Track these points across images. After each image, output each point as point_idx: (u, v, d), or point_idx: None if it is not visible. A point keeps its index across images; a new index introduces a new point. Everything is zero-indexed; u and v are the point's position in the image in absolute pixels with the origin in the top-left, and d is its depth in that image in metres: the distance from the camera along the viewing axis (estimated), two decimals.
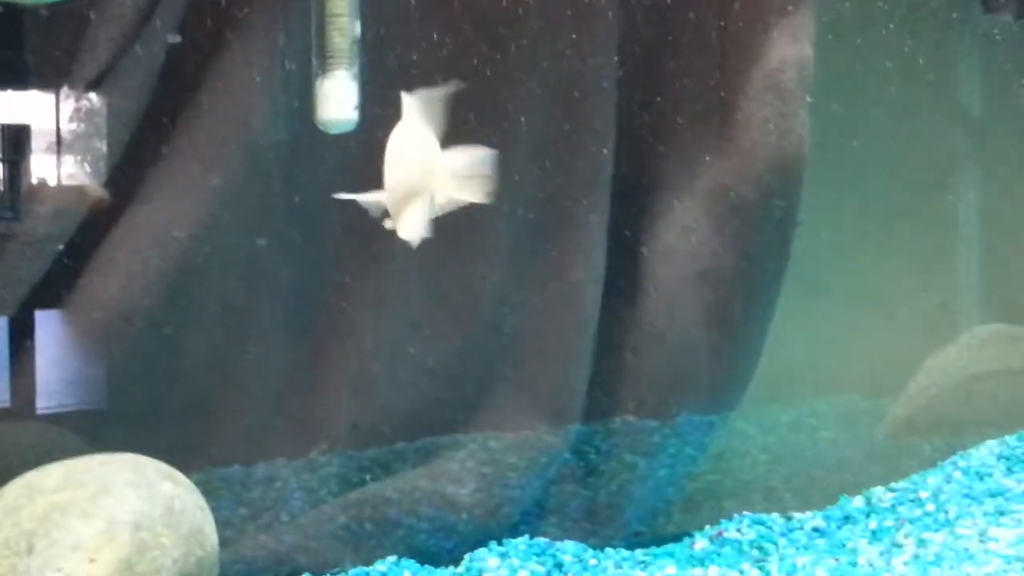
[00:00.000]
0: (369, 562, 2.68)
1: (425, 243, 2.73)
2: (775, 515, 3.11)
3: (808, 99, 3.06)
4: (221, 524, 2.33)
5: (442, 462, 2.81)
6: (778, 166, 3.03)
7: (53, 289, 2.44)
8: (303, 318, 2.71)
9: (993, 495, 3.18)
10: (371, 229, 2.70)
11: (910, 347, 3.72)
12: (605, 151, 2.91)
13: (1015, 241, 3.88)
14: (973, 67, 3.88)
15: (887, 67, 3.55)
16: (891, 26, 3.49)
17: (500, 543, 2.81)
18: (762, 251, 3.09)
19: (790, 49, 3.02)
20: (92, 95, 2.39)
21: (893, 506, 3.16)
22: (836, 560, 2.77)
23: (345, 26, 2.27)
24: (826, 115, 3.14)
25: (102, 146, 2.42)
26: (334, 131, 2.29)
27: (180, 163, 2.48)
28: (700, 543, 2.94)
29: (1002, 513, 3.02)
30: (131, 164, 2.45)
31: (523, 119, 2.81)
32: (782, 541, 2.96)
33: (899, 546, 2.85)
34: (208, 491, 2.35)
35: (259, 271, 2.65)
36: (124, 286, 2.46)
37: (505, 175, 2.78)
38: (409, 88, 1.96)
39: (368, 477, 2.78)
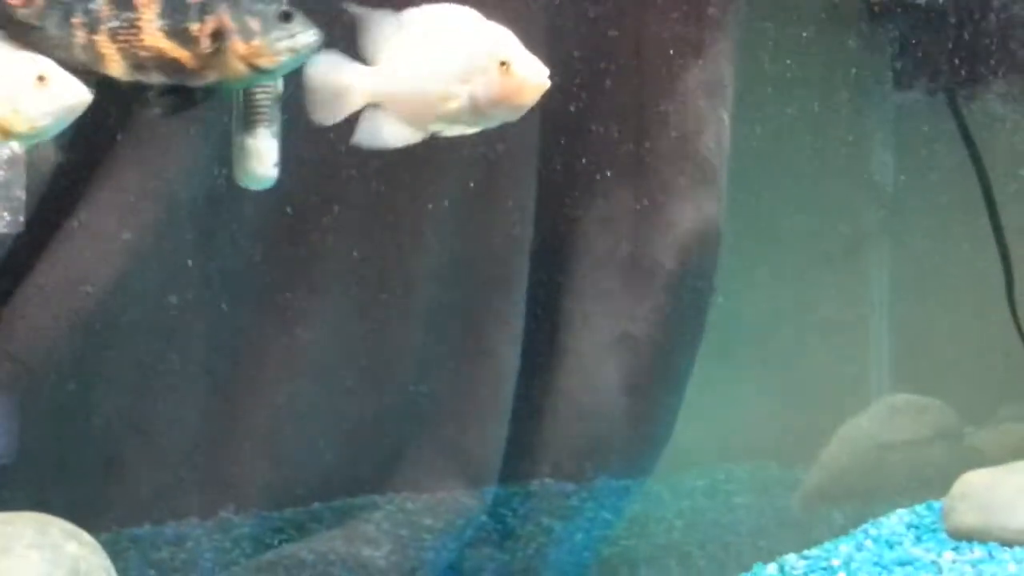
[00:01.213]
0: None
1: (342, 302, 2.74)
2: None
3: (725, 167, 3.12)
4: None
5: (358, 523, 2.79)
6: (695, 233, 3.08)
7: None
8: (217, 375, 2.68)
9: (902, 564, 3.22)
10: (288, 286, 2.72)
11: (823, 416, 3.77)
12: (524, 215, 2.93)
13: (925, 312, 3.97)
14: (886, 141, 3.98)
15: (802, 139, 3.64)
16: (806, 100, 3.58)
17: None
18: (679, 318, 3.13)
19: (708, 118, 3.09)
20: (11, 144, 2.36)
21: (806, 573, 3.18)
22: None
23: (268, 83, 2.27)
24: (742, 185, 3.20)
25: (20, 195, 2.39)
26: (253, 188, 2.27)
27: (95, 216, 2.45)
28: None
29: None
30: (45, 215, 2.42)
31: (443, 181, 2.83)
32: None
33: None
34: (115, 552, 2.30)
35: (173, 327, 2.62)
36: (33, 339, 2.42)
37: (424, 236, 2.81)
38: None
39: (282, 538, 2.74)
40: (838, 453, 3.77)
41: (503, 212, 2.91)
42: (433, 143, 2.66)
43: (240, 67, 1.96)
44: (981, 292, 3.80)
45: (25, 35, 1.90)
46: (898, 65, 3.85)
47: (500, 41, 1.72)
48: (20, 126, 1.78)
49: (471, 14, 1.77)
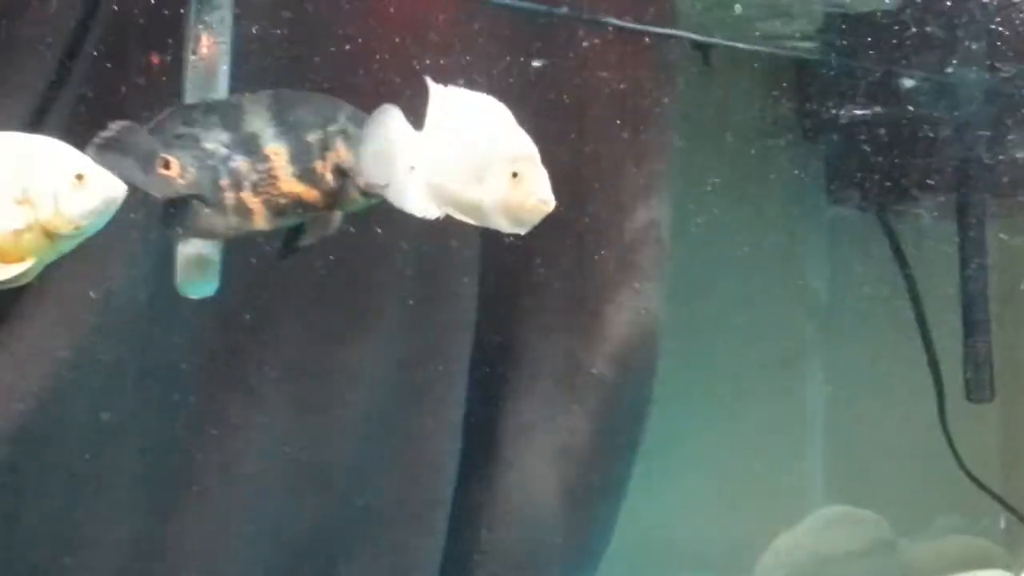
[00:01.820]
0: None
1: (279, 411, 2.70)
2: None
3: (664, 279, 3.15)
4: None
5: None
6: (634, 344, 3.10)
7: None
8: (152, 488, 2.63)
9: None
10: (225, 396, 2.68)
11: (758, 527, 3.77)
12: (464, 324, 2.93)
13: (859, 424, 4.00)
14: (820, 255, 4.05)
15: (737, 253, 3.69)
16: (741, 214, 3.64)
17: None
18: (618, 428, 3.13)
19: (647, 229, 3.12)
20: None
21: None
22: None
23: None
24: (680, 295, 3.23)
25: None
26: (194, 296, 2.26)
27: (28, 326, 2.41)
28: None
29: None
30: None
31: (382, 290, 2.82)
32: None
33: None
34: None
35: (107, 440, 2.56)
36: None
37: (363, 345, 2.80)
38: None
39: None
40: (773, 565, 3.76)
41: (443, 322, 2.91)
42: (369, 250, 2.69)
43: (357, 196, 1.99)
44: (914, 405, 3.85)
45: (187, 211, 1.94)
46: (831, 182, 3.94)
47: (521, 151, 1.71)
48: (64, 227, 1.72)
49: (506, 114, 1.76)
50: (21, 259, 1.74)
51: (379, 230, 2.67)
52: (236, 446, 2.68)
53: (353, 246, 2.60)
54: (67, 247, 1.77)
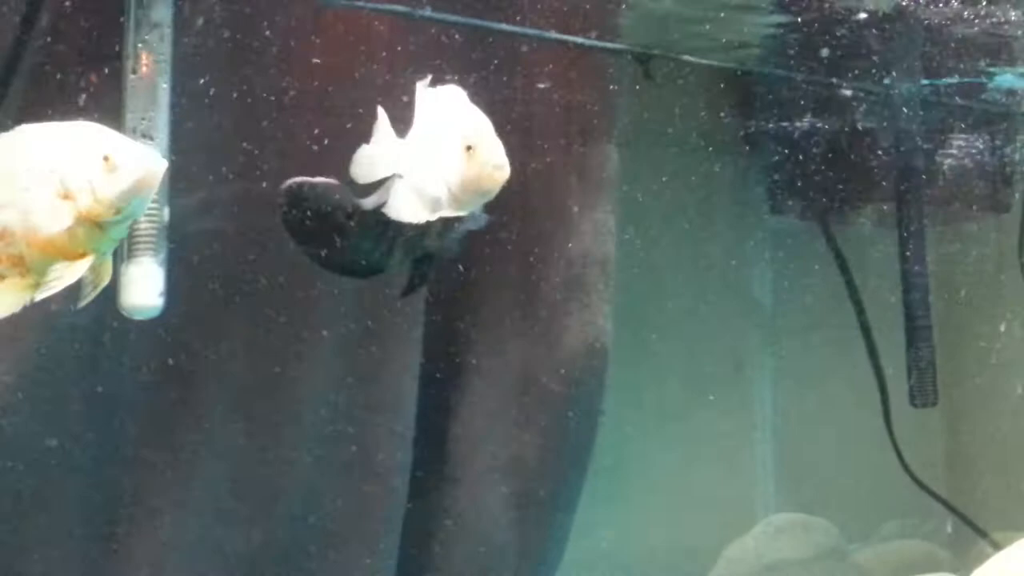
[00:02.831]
0: None
1: (228, 431, 2.68)
2: None
3: (612, 290, 3.17)
4: None
5: None
6: (582, 357, 3.11)
7: None
8: (100, 509, 2.60)
9: None
10: (174, 417, 2.66)
11: (709, 535, 3.79)
12: (413, 340, 2.93)
13: (807, 431, 4.04)
14: (763, 264, 4.09)
15: (683, 264, 3.72)
16: (685, 225, 3.67)
17: None
18: (568, 440, 3.14)
19: (593, 245, 3.14)
20: None
21: None
22: None
23: (154, 211, 2.25)
24: (628, 306, 3.25)
25: None
26: (138, 317, 2.24)
27: None
28: None
29: None
30: None
31: (332, 308, 2.81)
32: None
33: None
34: None
35: (54, 459, 2.53)
36: None
37: (313, 362, 2.78)
38: None
39: None
40: (725, 574, 3.78)
41: (393, 336, 2.90)
42: (314, 268, 2.68)
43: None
44: (860, 411, 3.88)
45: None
46: (773, 192, 3.98)
47: (469, 126, 1.72)
48: (107, 213, 1.61)
49: (458, 96, 1.76)
50: (82, 255, 1.65)
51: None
52: (183, 468, 2.66)
53: (298, 264, 2.59)
54: (121, 232, 1.68)
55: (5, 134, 1.65)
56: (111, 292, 2.25)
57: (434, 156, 1.75)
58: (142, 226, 2.23)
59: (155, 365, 2.61)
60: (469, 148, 1.70)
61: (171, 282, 2.25)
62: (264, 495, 2.76)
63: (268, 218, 2.58)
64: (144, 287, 2.22)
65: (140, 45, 2.23)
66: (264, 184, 2.55)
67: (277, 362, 2.75)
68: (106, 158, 1.61)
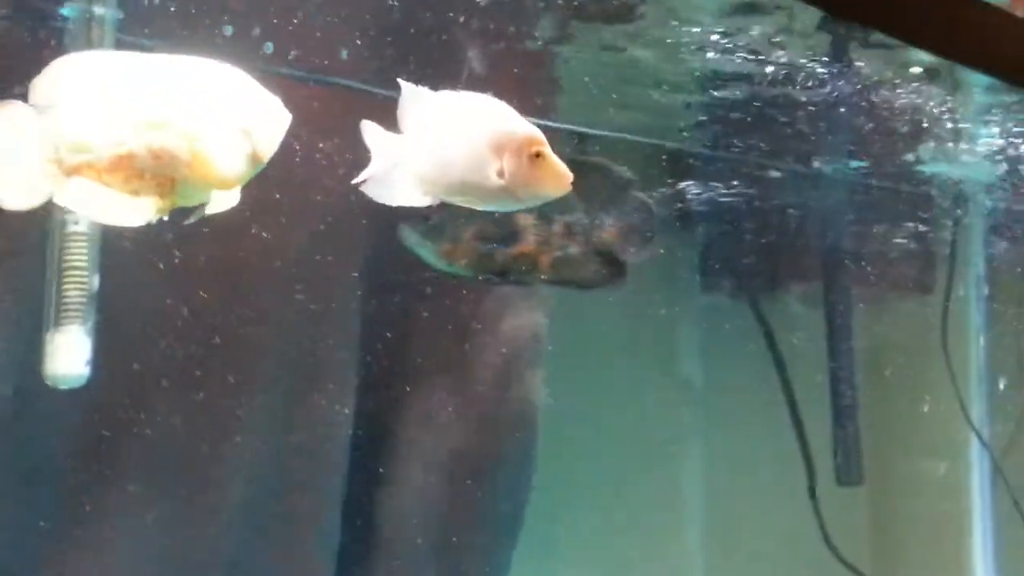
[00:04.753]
0: None
1: (157, 500, 2.63)
2: None
3: (542, 367, 3.17)
4: None
5: None
6: (513, 431, 3.11)
7: None
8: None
9: None
10: (96, 485, 2.61)
11: None
12: (344, 408, 2.91)
13: (737, 508, 4.06)
14: (695, 341, 4.12)
15: (613, 340, 3.74)
16: (616, 302, 3.69)
17: None
18: (498, 513, 3.12)
19: (526, 317, 3.15)
20: None
21: None
22: None
23: (83, 279, 2.22)
24: (560, 382, 3.25)
25: None
26: (63, 386, 2.20)
27: None
28: None
29: None
30: None
31: (262, 369, 2.78)
32: None
33: None
34: None
35: None
36: None
37: (242, 423, 2.74)
38: None
39: None
40: None
41: (323, 407, 2.88)
42: (245, 333, 2.66)
43: None
44: (788, 488, 3.92)
45: None
46: (704, 270, 4.03)
47: (536, 134, 1.83)
48: (267, 152, 1.69)
49: (507, 107, 1.86)
50: (235, 186, 1.69)
51: (253, 295, 2.66)
52: (109, 534, 2.60)
53: (226, 332, 2.57)
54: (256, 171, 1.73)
55: (172, 58, 1.68)
56: (35, 361, 2.22)
57: (467, 152, 1.83)
58: (71, 295, 2.20)
59: (80, 435, 2.57)
60: (538, 155, 1.80)
61: (97, 347, 2.22)
62: (189, 561, 2.71)
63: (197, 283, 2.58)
64: (70, 356, 2.18)
65: None
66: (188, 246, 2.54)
67: (205, 427, 2.71)
68: (272, 108, 1.69)
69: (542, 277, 2.80)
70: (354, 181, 1.85)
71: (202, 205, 1.71)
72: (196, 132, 1.65)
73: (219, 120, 1.66)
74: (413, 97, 1.85)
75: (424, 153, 1.83)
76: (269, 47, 2.56)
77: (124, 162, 1.64)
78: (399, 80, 1.85)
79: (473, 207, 1.91)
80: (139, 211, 1.65)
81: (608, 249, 2.81)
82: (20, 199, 1.65)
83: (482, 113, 1.84)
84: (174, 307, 2.62)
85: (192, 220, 1.71)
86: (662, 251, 3.17)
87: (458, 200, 1.88)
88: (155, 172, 1.65)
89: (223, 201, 1.70)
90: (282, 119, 1.71)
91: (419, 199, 1.85)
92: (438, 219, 2.64)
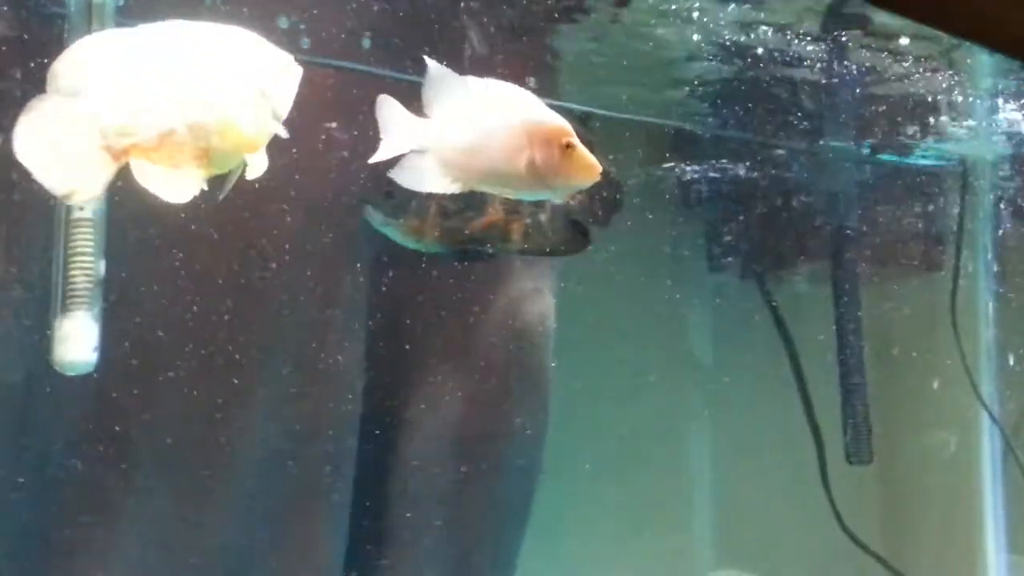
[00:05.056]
0: None
1: (159, 495, 2.62)
2: None
3: (550, 349, 3.17)
4: None
5: None
6: (524, 413, 3.11)
7: None
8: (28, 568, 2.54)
9: None
10: (103, 480, 2.61)
11: None
12: (354, 392, 2.90)
13: (746, 488, 4.05)
14: (702, 321, 4.12)
15: (621, 321, 3.74)
16: (624, 282, 3.69)
17: None
18: (507, 496, 3.12)
19: (535, 300, 3.14)
20: None
21: None
22: None
23: (89, 265, 2.23)
24: (562, 363, 3.25)
25: None
26: (71, 373, 2.21)
27: None
28: None
29: None
30: None
31: (266, 360, 2.78)
32: None
33: None
34: None
35: None
36: None
37: (245, 419, 2.74)
38: None
39: None
40: None
41: (332, 392, 2.88)
42: (249, 314, 2.66)
43: None
44: (797, 468, 3.91)
45: None
46: (712, 250, 4.03)
47: (565, 124, 1.86)
48: (284, 111, 1.73)
49: (532, 96, 1.89)
50: (261, 147, 1.74)
51: (259, 307, 2.66)
52: (118, 529, 2.61)
53: (233, 322, 2.58)
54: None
55: (181, 26, 1.71)
56: (44, 347, 2.23)
57: (497, 140, 1.85)
58: (77, 280, 2.21)
59: (92, 427, 2.57)
60: (569, 146, 1.83)
61: (105, 334, 2.22)
62: (195, 562, 2.71)
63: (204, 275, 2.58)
64: (78, 342, 2.19)
65: None
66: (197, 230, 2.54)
67: (210, 423, 2.71)
68: (287, 64, 1.74)
69: (513, 247, 2.76)
70: (372, 160, 1.86)
71: (233, 172, 1.75)
72: (221, 100, 1.69)
73: (238, 84, 1.70)
74: (441, 81, 1.85)
75: (455, 139, 1.85)
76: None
77: (167, 139, 1.68)
78: (426, 60, 1.86)
79: (500, 194, 1.93)
80: (188, 184, 1.70)
81: (575, 215, 2.80)
82: (85, 191, 1.70)
83: (513, 102, 1.85)
84: (179, 292, 2.62)
85: (229, 188, 1.75)
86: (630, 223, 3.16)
87: (485, 187, 1.90)
88: (192, 145, 1.69)
89: (257, 165, 1.74)
90: (295, 74, 1.74)
91: (448, 186, 1.87)
92: (403, 195, 2.59)
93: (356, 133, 2.64)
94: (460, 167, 1.85)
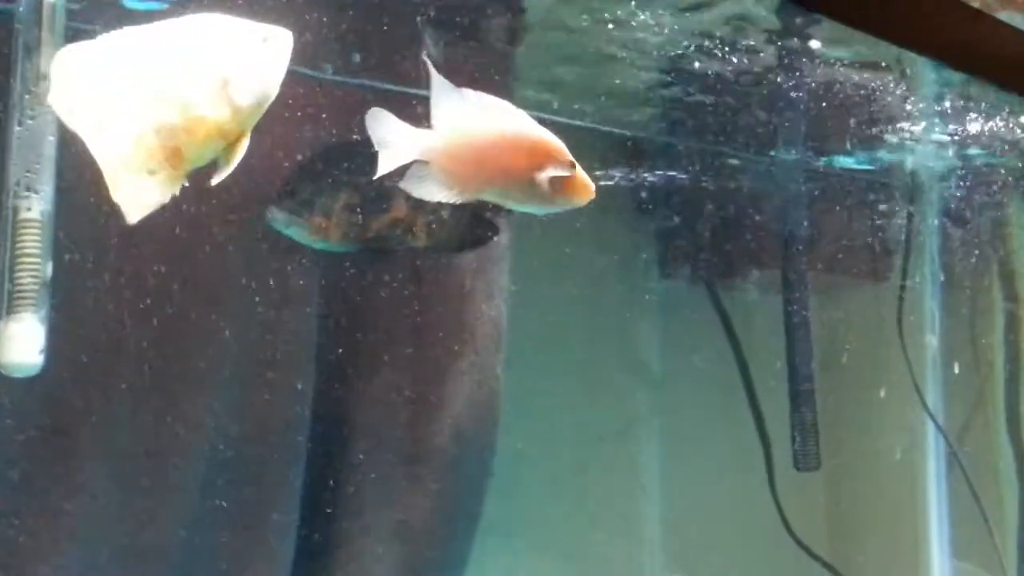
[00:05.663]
0: None
1: (112, 487, 2.61)
2: None
3: (501, 353, 3.18)
4: None
5: None
6: (473, 418, 3.11)
7: None
8: None
9: None
10: (50, 490, 2.58)
11: None
12: (303, 395, 2.89)
13: (693, 493, 4.08)
14: (653, 328, 4.14)
15: (572, 326, 3.75)
16: (575, 288, 3.70)
17: None
18: (457, 502, 3.12)
19: (485, 306, 3.15)
20: None
21: None
22: None
23: (36, 266, 2.20)
24: (516, 367, 3.26)
25: None
26: (17, 376, 2.18)
27: None
28: None
29: None
30: None
31: (216, 368, 2.77)
32: None
33: None
34: None
35: None
36: None
37: (198, 418, 2.73)
38: None
39: None
40: None
41: (281, 392, 2.87)
42: (199, 327, 2.64)
43: None
44: (745, 474, 3.94)
45: None
46: (663, 257, 4.05)
47: (563, 146, 1.90)
48: (269, 92, 1.68)
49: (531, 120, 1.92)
50: (239, 137, 1.69)
51: (208, 304, 2.64)
52: (60, 522, 2.59)
53: (182, 319, 2.56)
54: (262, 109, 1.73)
55: (145, 32, 1.68)
56: None
57: (497, 153, 1.87)
58: (25, 282, 2.18)
59: (36, 428, 2.55)
60: (571, 166, 1.89)
61: (51, 335, 2.20)
62: (138, 560, 2.69)
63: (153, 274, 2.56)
64: (24, 344, 2.16)
65: (27, 96, 2.19)
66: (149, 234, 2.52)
67: (158, 427, 2.69)
68: (264, 38, 1.69)
69: (418, 244, 2.77)
70: (378, 175, 1.86)
71: (217, 163, 1.72)
72: (182, 94, 1.66)
73: (199, 75, 1.67)
74: (447, 94, 1.87)
75: (460, 151, 1.87)
76: None
77: (139, 146, 1.66)
78: (432, 72, 1.87)
79: (501, 203, 1.97)
80: (163, 188, 1.67)
81: (478, 210, 2.81)
82: None
83: (517, 120, 1.89)
84: (127, 295, 2.60)
85: (221, 178, 1.72)
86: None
87: (488, 197, 1.92)
88: (162, 147, 1.67)
89: (237, 151, 1.71)
90: (280, 43, 1.71)
91: (454, 197, 1.88)
92: (307, 192, 2.59)
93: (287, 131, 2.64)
94: (465, 178, 1.88)
